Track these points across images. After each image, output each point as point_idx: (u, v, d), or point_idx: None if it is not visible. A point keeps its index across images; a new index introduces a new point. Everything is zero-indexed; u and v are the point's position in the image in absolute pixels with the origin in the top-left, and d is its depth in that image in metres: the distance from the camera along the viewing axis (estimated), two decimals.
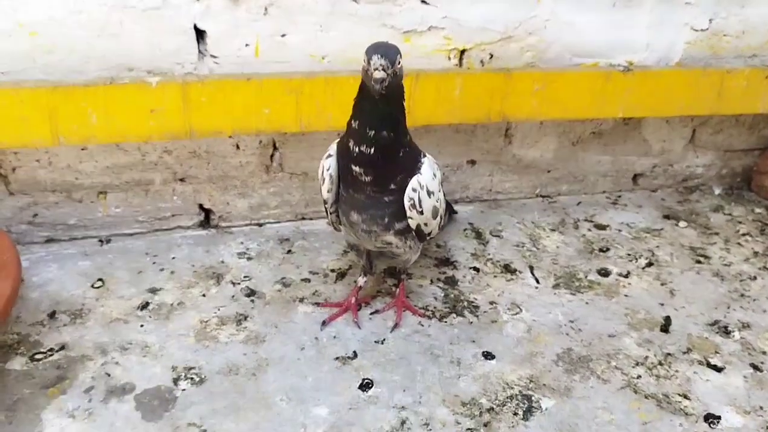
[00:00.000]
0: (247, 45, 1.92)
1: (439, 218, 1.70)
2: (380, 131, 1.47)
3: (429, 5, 2.01)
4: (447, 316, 1.88)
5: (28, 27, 1.72)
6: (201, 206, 2.14)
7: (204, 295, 1.89)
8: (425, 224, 1.64)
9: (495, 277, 2.06)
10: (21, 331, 1.72)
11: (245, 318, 1.81)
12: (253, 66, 1.94)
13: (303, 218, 2.25)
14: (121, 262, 1.99)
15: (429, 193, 1.59)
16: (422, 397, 1.60)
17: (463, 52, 2.13)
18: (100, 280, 1.91)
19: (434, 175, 1.62)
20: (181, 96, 1.81)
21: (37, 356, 1.64)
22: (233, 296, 1.89)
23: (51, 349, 1.67)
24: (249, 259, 2.05)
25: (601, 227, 2.37)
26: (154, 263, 2.00)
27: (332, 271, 2.02)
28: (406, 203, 1.57)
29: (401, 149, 1.53)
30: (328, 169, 1.63)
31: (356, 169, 1.54)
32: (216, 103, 1.85)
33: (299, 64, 1.97)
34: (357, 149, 1.50)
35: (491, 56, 2.16)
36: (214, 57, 1.91)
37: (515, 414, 1.56)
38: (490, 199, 2.47)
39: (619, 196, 2.58)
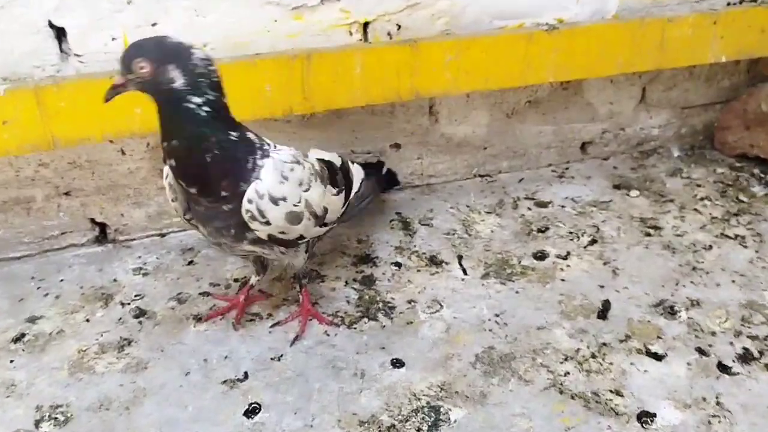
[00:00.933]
0: (114, 39, 1.73)
1: (308, 221, 1.47)
2: (170, 141, 1.33)
3: None
4: (358, 321, 1.68)
5: None
6: (93, 220, 1.95)
7: (88, 320, 1.70)
8: (282, 233, 1.43)
9: (418, 271, 1.86)
10: None
11: (129, 343, 1.62)
12: None
13: None
14: (2, 290, 1.80)
15: (275, 201, 1.38)
16: (315, 420, 1.41)
17: (366, 25, 1.92)
18: None
19: (284, 178, 1.40)
20: (36, 103, 1.62)
21: None
22: (120, 319, 1.70)
23: None
24: (145, 274, 1.86)
25: (542, 205, 2.15)
26: (39, 288, 1.81)
27: (236, 280, 1.83)
28: (244, 215, 1.38)
29: (206, 154, 1.33)
30: (166, 177, 1.45)
31: (181, 182, 1.38)
32: (78, 107, 1.65)
33: None
34: (168, 163, 1.37)
35: (399, 27, 1.95)
36: (79, 56, 1.72)
37: (419, 430, 1.37)
38: (423, 184, 2.26)
39: (567, 168, 2.36)
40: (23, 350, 1.61)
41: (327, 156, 1.70)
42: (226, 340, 1.63)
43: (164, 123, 1.32)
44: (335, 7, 1.86)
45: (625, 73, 2.22)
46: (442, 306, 1.72)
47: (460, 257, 1.91)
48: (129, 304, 1.75)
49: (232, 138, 1.36)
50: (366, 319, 1.69)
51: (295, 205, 1.42)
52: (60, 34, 1.70)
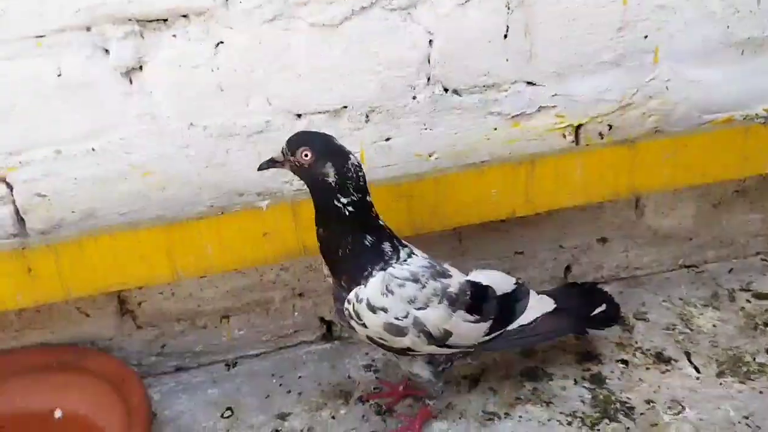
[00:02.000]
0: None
1: (416, 338, 1.51)
2: (318, 227, 1.50)
3: (536, 86, 1.90)
4: (599, 422, 1.69)
5: (141, 168, 1.76)
6: (322, 319, 2.08)
7: (334, 417, 1.80)
8: (382, 338, 1.51)
9: (647, 369, 1.84)
10: None
11: None
12: None
13: None
14: (248, 387, 1.94)
15: (374, 309, 1.47)
16: None
17: (578, 127, 1.99)
18: (229, 409, 1.86)
19: (389, 291, 1.48)
20: (292, 216, 1.79)
21: None
22: (363, 416, 1.79)
23: None
24: (375, 371, 1.95)
25: (761, 296, 2.09)
26: (280, 385, 1.94)
27: (464, 377, 1.88)
28: (345, 312, 1.52)
29: (340, 249, 1.49)
30: None
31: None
32: None
33: (406, 165, 1.91)
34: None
35: (610, 127, 2.01)
36: None
37: None
38: (628, 277, 2.25)
39: None
40: None
41: (486, 281, 1.65)
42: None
43: (316, 210, 1.50)
44: (551, 113, 1.95)
45: None
46: (683, 407, 1.70)
47: (688, 354, 1.88)
48: (368, 400, 1.84)
49: (366, 243, 1.49)
50: (607, 420, 1.69)
51: (397, 319, 1.49)
52: None
